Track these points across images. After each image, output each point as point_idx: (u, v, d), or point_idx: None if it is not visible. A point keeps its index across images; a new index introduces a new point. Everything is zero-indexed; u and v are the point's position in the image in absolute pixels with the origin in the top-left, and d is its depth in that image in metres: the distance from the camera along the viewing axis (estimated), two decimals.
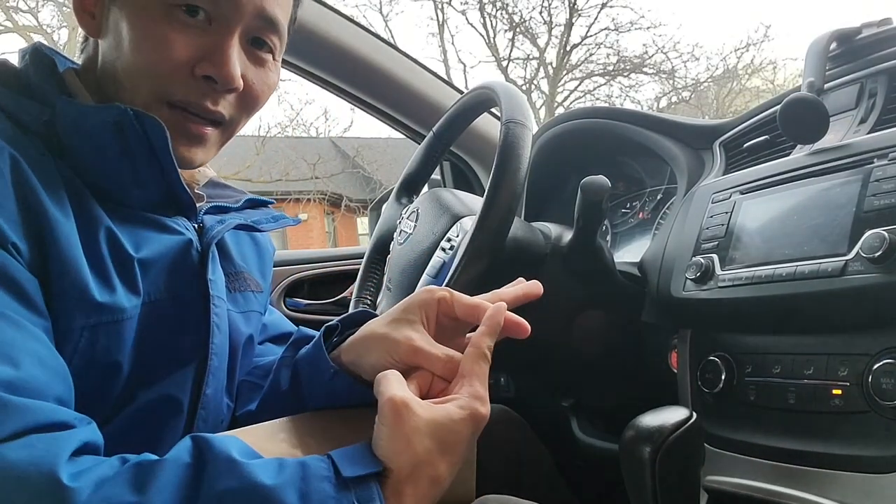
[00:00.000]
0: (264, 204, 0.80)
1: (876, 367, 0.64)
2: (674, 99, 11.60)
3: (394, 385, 0.52)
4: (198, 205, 0.70)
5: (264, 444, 0.55)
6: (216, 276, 0.69)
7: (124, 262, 0.60)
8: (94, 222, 0.59)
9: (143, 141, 0.60)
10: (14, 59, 0.67)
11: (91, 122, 0.60)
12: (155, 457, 0.47)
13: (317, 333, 0.71)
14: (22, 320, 0.49)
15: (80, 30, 0.68)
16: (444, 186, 1.52)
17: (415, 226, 0.91)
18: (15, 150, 0.55)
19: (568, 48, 11.31)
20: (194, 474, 0.45)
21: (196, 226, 0.69)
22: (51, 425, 0.44)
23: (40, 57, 0.65)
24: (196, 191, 0.75)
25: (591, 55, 11.69)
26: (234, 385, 0.76)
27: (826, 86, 0.84)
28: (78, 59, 0.70)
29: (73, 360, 0.56)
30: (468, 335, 0.60)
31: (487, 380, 0.54)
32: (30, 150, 0.57)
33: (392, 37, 10.96)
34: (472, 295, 0.63)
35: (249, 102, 0.68)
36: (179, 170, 0.65)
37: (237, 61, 0.63)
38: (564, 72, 11.53)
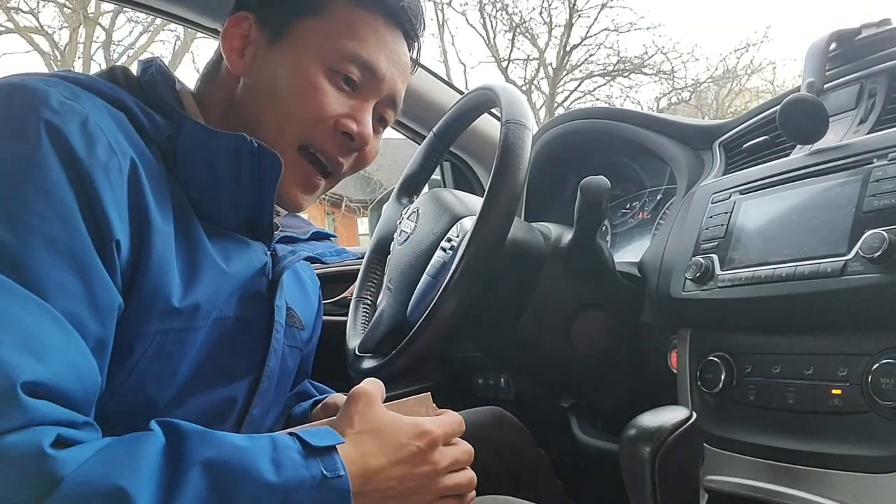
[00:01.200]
0: (328, 237, 0.86)
1: (875, 367, 0.64)
2: (673, 99, 11.58)
3: (368, 384, 0.64)
4: (273, 232, 0.74)
5: None
6: (282, 302, 0.73)
7: (214, 274, 0.63)
8: (193, 234, 0.63)
9: (254, 169, 0.65)
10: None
11: (214, 145, 0.64)
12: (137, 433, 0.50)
13: (316, 393, 0.88)
14: (69, 325, 0.50)
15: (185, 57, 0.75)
16: (445, 186, 1.52)
17: (415, 226, 0.91)
18: (137, 155, 0.59)
19: (568, 49, 11.30)
20: (172, 448, 0.49)
21: (270, 252, 0.73)
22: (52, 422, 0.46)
23: (165, 74, 0.70)
24: (276, 220, 0.78)
25: (590, 56, 11.68)
26: (279, 409, 0.79)
27: (826, 86, 0.84)
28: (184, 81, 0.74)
29: (140, 364, 0.58)
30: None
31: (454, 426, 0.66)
32: (148, 158, 0.61)
33: None
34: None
35: (362, 163, 0.76)
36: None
37: (371, 126, 0.73)
38: (564, 72, 11.52)
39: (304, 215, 0.88)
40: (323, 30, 0.69)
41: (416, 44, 0.78)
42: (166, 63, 0.72)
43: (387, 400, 0.66)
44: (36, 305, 0.48)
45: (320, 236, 0.84)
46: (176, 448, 0.50)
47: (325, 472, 0.54)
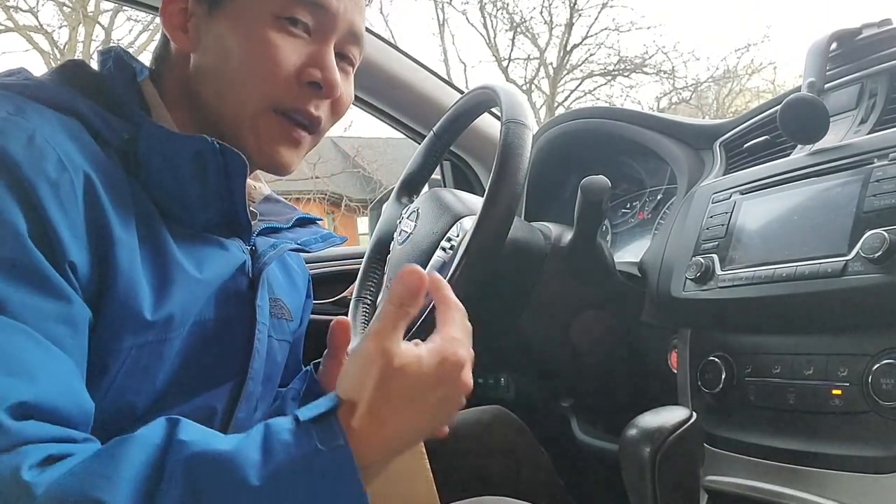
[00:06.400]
0: (313, 221, 0.82)
1: (876, 367, 0.64)
2: (674, 99, 11.57)
3: (387, 325, 0.52)
4: (252, 223, 0.71)
5: None
6: (263, 301, 0.70)
7: (186, 283, 0.61)
8: (160, 242, 0.60)
9: (220, 169, 0.62)
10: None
11: (175, 147, 0.61)
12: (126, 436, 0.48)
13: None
14: (51, 345, 0.49)
15: (148, 41, 0.70)
16: (445, 186, 1.52)
17: (415, 225, 0.91)
18: (92, 166, 0.56)
19: (568, 48, 11.29)
20: (163, 446, 0.46)
21: (249, 248, 0.70)
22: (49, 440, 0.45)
23: (123, 66, 0.66)
24: (251, 209, 0.75)
25: (591, 55, 11.68)
26: (266, 406, 0.77)
27: (826, 86, 0.84)
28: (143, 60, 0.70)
29: (117, 379, 0.56)
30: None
31: (463, 322, 0.56)
32: (106, 167, 0.57)
33: (392, 37, 10.95)
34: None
35: (339, 110, 0.71)
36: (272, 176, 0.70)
37: (336, 69, 0.67)
38: (565, 72, 11.51)
39: (302, 211, 0.86)
40: None
41: None
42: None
43: None
44: (12, 328, 0.47)
45: (304, 222, 0.81)
46: (166, 448, 0.47)
47: (319, 445, 0.47)
